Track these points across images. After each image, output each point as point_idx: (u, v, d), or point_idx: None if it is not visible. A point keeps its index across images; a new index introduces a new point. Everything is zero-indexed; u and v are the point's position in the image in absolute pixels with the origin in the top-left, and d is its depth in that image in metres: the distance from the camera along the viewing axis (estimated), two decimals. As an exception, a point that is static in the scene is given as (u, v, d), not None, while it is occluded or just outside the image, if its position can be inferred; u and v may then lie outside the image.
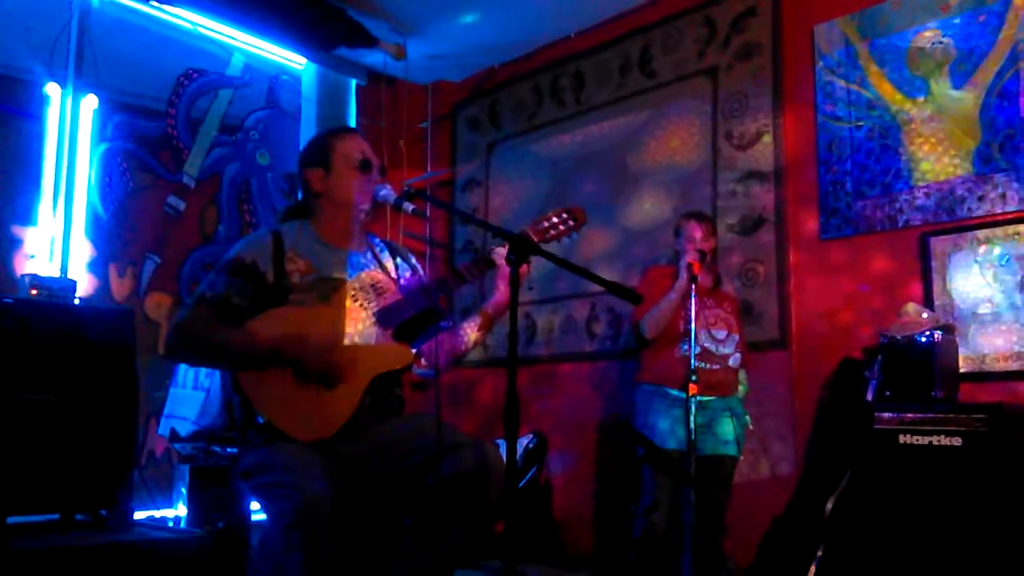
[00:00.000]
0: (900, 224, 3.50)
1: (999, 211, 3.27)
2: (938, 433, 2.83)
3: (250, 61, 4.75)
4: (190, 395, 3.40)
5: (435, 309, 2.23)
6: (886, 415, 2.95)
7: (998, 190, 3.27)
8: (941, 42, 3.47)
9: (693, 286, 3.11)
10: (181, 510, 3.29)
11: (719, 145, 4.13)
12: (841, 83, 3.73)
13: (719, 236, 3.79)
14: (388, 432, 2.16)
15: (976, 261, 3.29)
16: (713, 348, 3.32)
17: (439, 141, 5.45)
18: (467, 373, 4.90)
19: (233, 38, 4.63)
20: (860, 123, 3.67)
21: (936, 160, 3.44)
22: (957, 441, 2.79)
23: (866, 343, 3.40)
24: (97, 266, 4.01)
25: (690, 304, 3.07)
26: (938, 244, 3.38)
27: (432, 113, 5.43)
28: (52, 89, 3.85)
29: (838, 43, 3.77)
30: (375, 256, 2.38)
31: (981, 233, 3.29)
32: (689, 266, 3.18)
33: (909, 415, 2.91)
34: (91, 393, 2.78)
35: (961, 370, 3.18)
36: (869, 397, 3.06)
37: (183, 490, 3.28)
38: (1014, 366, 3.17)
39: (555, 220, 2.24)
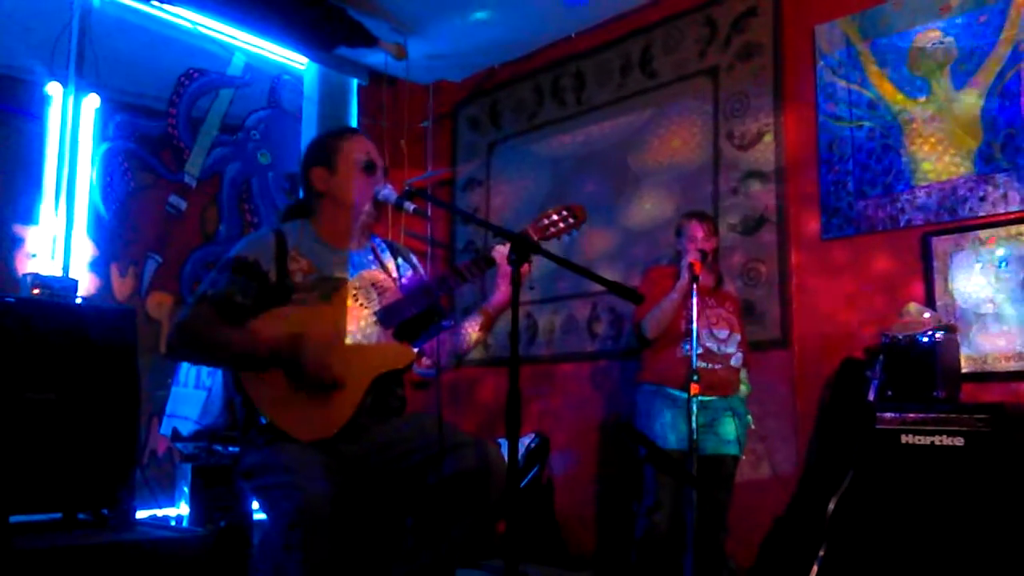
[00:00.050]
0: (902, 224, 3.50)
1: (1001, 211, 3.27)
2: (940, 433, 2.82)
3: (251, 61, 4.75)
4: (192, 394, 3.40)
5: (436, 308, 2.23)
6: (888, 415, 2.95)
7: (1000, 190, 3.27)
8: (942, 42, 3.47)
9: (695, 286, 3.10)
10: (183, 509, 3.30)
11: (720, 145, 4.12)
12: (842, 83, 3.73)
13: (720, 236, 3.78)
14: (389, 431, 2.16)
15: (978, 261, 3.29)
16: (715, 348, 3.32)
17: (440, 141, 5.45)
18: (468, 372, 4.89)
19: (234, 38, 4.62)
20: (861, 123, 3.66)
21: (937, 160, 3.44)
22: (959, 441, 2.78)
23: (868, 343, 3.39)
24: (99, 265, 4.01)
25: (692, 304, 3.06)
26: (940, 244, 3.38)
27: (433, 113, 5.43)
28: (53, 89, 3.84)
29: (839, 43, 3.77)
30: (376, 256, 2.38)
31: (983, 233, 3.29)
32: (691, 266, 3.17)
33: (911, 415, 2.90)
34: (93, 392, 2.77)
35: (963, 370, 3.18)
36: (871, 397, 3.06)
37: (185, 489, 3.28)
38: (1016, 366, 3.17)
39: (555, 218, 2.25)
